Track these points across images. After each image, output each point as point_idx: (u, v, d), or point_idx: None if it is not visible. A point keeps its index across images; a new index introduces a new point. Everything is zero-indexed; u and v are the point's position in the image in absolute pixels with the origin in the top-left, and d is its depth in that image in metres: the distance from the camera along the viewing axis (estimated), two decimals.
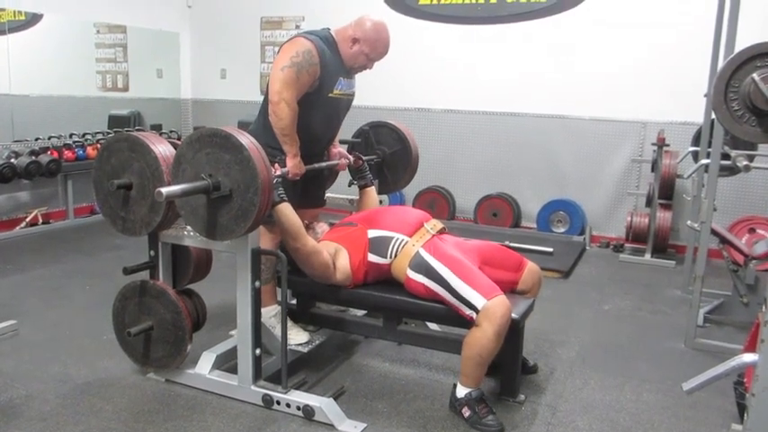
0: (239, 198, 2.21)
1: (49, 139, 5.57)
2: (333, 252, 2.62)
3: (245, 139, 2.21)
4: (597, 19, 5.35)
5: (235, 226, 2.25)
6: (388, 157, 3.42)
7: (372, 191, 3.18)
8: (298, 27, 6.47)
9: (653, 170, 4.98)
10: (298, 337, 2.84)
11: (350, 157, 3.13)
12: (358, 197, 3.22)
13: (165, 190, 2.11)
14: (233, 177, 2.21)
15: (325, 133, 2.91)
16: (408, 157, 3.42)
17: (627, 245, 5.30)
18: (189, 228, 2.55)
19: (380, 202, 3.25)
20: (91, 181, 2.58)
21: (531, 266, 2.78)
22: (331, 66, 2.72)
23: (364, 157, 3.19)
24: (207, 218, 2.29)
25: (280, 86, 2.58)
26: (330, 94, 2.76)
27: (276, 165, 2.57)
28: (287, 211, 2.48)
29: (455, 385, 2.49)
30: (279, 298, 2.78)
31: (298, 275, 2.68)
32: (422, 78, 6.06)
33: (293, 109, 2.61)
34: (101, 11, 6.07)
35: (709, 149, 3.44)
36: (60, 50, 5.97)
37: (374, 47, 2.76)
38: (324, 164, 2.98)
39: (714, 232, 3.45)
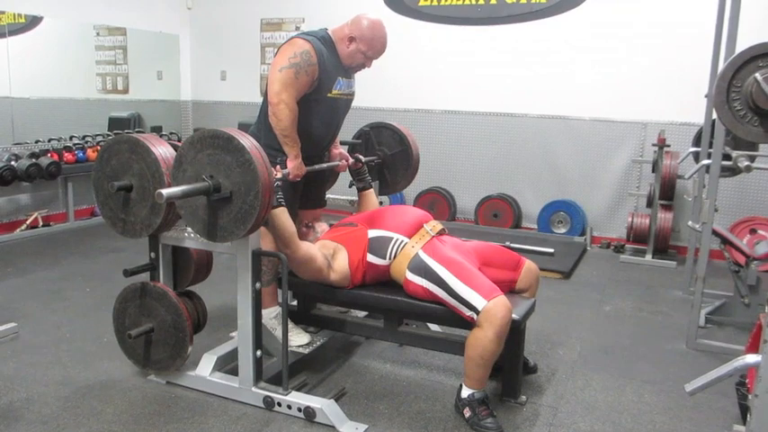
0: (240, 200, 2.21)
1: (49, 141, 5.57)
2: (331, 252, 2.62)
3: (247, 142, 2.20)
4: (597, 19, 5.34)
5: (234, 228, 2.25)
6: (388, 158, 3.42)
7: (371, 194, 3.17)
8: (298, 28, 6.47)
9: (654, 171, 4.97)
10: (298, 339, 2.83)
11: (350, 158, 3.13)
12: (357, 199, 3.21)
13: (165, 191, 2.11)
14: (234, 180, 2.21)
15: (325, 134, 2.91)
16: (409, 158, 3.41)
17: (628, 246, 5.30)
18: (189, 229, 2.55)
19: (380, 203, 3.24)
20: (91, 183, 2.58)
21: (528, 265, 2.78)
22: (329, 66, 2.72)
23: (364, 158, 3.19)
24: (207, 219, 2.29)
25: (279, 88, 2.58)
26: (329, 95, 2.76)
27: (277, 167, 2.57)
28: (282, 216, 2.47)
29: (461, 385, 2.49)
30: (279, 299, 2.77)
31: (299, 277, 2.67)
32: (422, 79, 6.06)
33: (293, 110, 2.61)
34: (100, 13, 6.07)
35: (710, 150, 3.44)
36: (60, 53, 5.96)
37: (371, 45, 2.76)
38: (324, 165, 2.98)
39: (715, 233, 3.45)
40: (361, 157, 3.16)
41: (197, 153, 2.25)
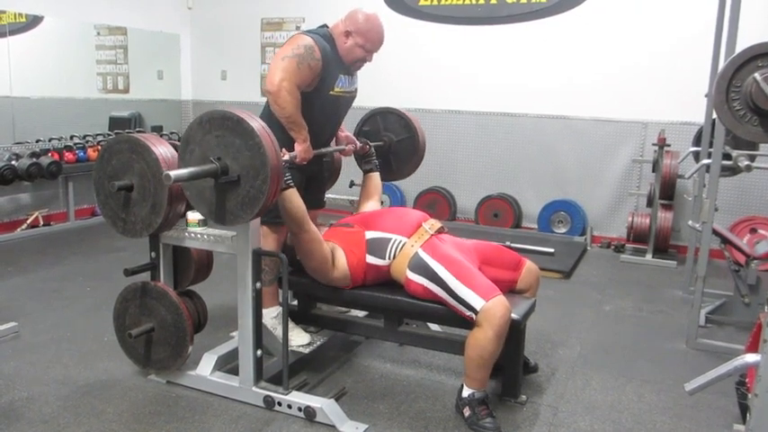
0: (247, 185, 2.18)
1: (50, 140, 5.57)
2: (330, 249, 2.62)
3: (257, 125, 2.18)
4: (598, 19, 5.34)
5: (241, 212, 2.22)
6: (394, 144, 3.38)
7: (376, 176, 3.18)
8: (298, 28, 6.47)
9: (654, 170, 4.97)
10: (299, 339, 2.83)
11: (357, 142, 3.13)
12: (361, 184, 3.20)
13: (173, 173, 2.07)
14: (242, 163, 2.17)
15: (324, 130, 2.91)
16: (415, 145, 3.36)
17: (628, 245, 5.30)
18: (190, 229, 2.55)
19: (382, 203, 3.24)
20: (92, 183, 2.58)
21: (529, 265, 2.78)
22: (332, 63, 2.72)
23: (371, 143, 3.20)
24: (213, 202, 2.26)
25: (280, 75, 2.56)
26: (331, 92, 2.76)
27: (284, 149, 2.55)
28: (293, 197, 2.48)
29: (462, 385, 2.49)
30: (280, 299, 2.78)
31: (299, 276, 2.67)
32: (422, 79, 6.06)
33: (295, 96, 2.59)
34: (101, 13, 6.07)
35: (711, 149, 3.44)
36: (61, 52, 5.97)
37: (368, 37, 2.76)
38: (331, 148, 2.98)
39: (715, 232, 3.45)
40: (368, 141, 3.18)
41: (205, 134, 2.22)
